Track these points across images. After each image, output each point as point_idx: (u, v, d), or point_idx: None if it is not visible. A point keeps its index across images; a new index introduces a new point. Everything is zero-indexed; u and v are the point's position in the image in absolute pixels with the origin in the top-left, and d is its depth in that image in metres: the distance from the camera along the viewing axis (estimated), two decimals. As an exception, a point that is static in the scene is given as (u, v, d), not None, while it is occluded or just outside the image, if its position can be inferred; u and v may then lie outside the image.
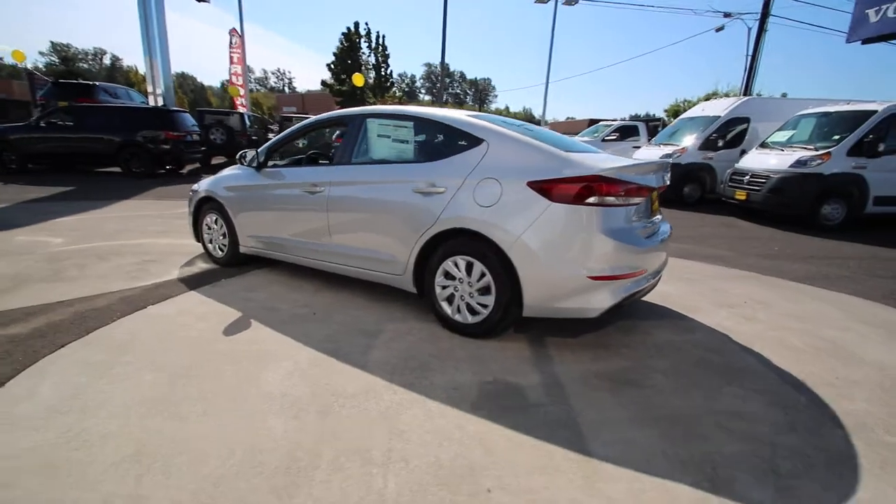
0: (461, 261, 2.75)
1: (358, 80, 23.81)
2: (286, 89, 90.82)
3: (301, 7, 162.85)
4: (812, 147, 7.56)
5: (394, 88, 36.92)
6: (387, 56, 34.24)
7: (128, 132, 10.16)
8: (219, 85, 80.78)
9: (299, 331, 2.85)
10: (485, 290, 2.70)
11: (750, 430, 2.01)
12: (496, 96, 64.98)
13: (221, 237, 4.17)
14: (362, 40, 33.12)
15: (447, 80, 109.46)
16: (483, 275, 2.67)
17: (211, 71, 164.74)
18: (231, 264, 4.20)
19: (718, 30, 24.57)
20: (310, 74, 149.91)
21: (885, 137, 7.07)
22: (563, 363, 2.53)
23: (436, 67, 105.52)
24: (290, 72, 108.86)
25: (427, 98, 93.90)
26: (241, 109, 17.02)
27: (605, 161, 2.58)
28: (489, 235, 2.57)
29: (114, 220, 6.11)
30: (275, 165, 3.90)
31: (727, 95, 29.15)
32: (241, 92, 18.72)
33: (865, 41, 14.94)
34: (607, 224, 2.41)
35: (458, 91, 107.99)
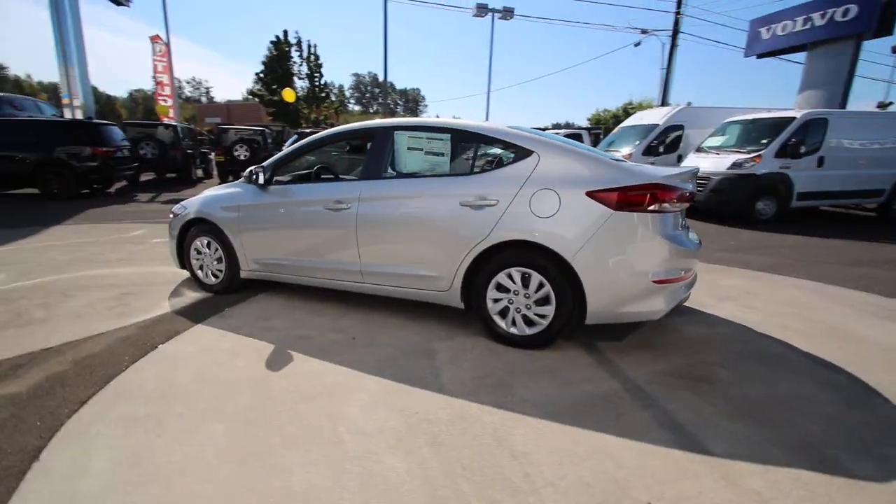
0: (516, 272, 2.73)
1: (288, 95, 22.81)
2: (203, 99, 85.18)
3: (213, 13, 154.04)
4: (744, 150, 8.48)
5: (331, 98, 35.96)
6: (319, 65, 33.33)
7: (45, 149, 8.94)
8: (126, 95, 73.89)
9: (350, 358, 2.67)
10: (543, 301, 2.71)
11: (821, 411, 2.19)
12: (426, 106, 65.90)
13: (216, 262, 3.80)
14: (293, 49, 31.99)
15: (376, 91, 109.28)
16: (541, 285, 2.68)
17: (114, 81, 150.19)
18: (228, 291, 3.84)
19: (636, 45, 26.89)
20: (230, 83, 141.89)
21: (804, 140, 8.12)
22: (629, 366, 2.60)
23: (364, 77, 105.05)
24: (206, 81, 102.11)
25: (357, 108, 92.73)
26: (171, 121, 15.62)
27: (652, 169, 2.71)
28: (551, 246, 2.59)
29: (56, 249, 5.33)
30: (278, 182, 3.64)
31: (641, 105, 31.85)
32: (171, 109, 17.13)
33: (760, 56, 17.18)
34: (666, 229, 2.53)
35: (389, 101, 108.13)
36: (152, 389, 2.29)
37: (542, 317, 2.73)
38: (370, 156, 3.20)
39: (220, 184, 5.49)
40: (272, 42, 31.46)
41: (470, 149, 3.04)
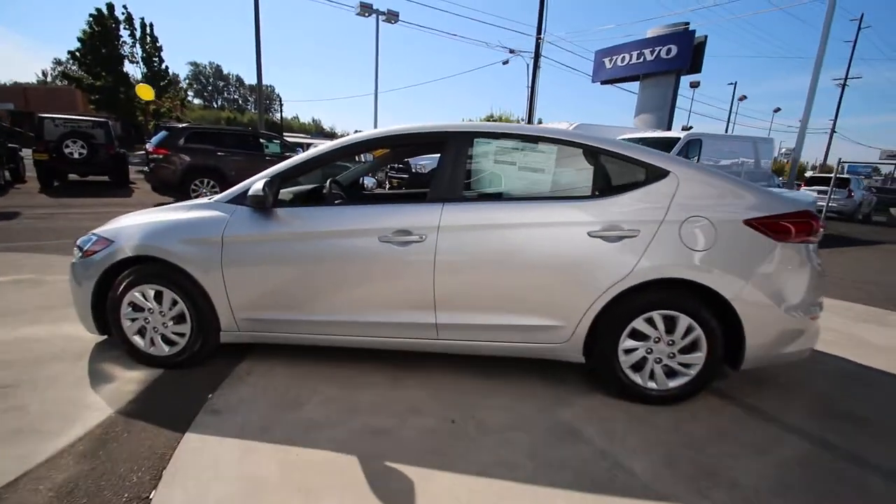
0: (658, 316, 2.25)
1: (145, 92, 18.19)
2: (-27, 78, 65.08)
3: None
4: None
5: (174, 86, 30.50)
6: (158, 48, 27.91)
7: None
8: None
9: (483, 460, 1.86)
10: (689, 348, 2.28)
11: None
12: (281, 105, 60.49)
13: (172, 322, 2.50)
14: (122, 27, 26.13)
15: (220, 84, 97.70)
16: (689, 331, 2.25)
17: None
18: (192, 363, 2.56)
19: (504, 63, 28.77)
20: (14, 60, 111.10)
21: (688, 155, 9.40)
22: (794, 414, 2.33)
23: (205, 67, 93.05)
24: (-24, 55, 78.35)
25: (198, 102, 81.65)
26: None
27: (793, 195, 2.49)
28: (710, 284, 2.17)
29: None
30: (283, 203, 2.54)
31: (501, 118, 34.24)
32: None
33: (603, 83, 19.92)
34: (817, 261, 2.32)
35: (237, 97, 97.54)
36: None
37: (687, 366, 2.30)
38: (443, 169, 2.38)
39: (41, 190, 3.82)
40: (92, 16, 25.34)
41: (581, 165, 2.45)
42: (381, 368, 2.61)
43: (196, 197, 6.07)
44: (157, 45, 27.97)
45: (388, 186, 12.63)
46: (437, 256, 2.27)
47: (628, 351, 2.31)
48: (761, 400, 2.45)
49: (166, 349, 2.54)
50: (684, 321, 2.24)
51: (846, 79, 31.02)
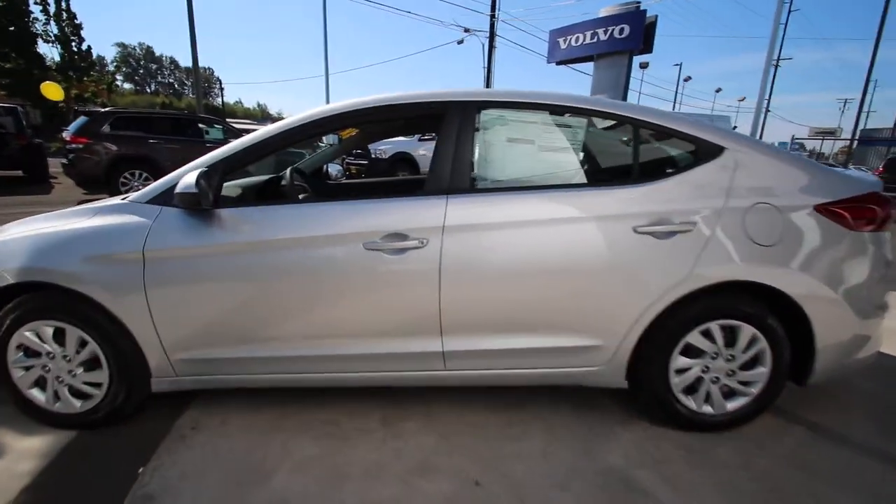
0: (717, 328, 1.84)
1: (51, 91, 15.45)
2: None
3: None
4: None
5: (97, 69, 27.58)
6: (78, 27, 25.00)
7: None
8: None
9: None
10: (752, 363, 1.88)
11: None
12: (222, 89, 56.19)
13: (82, 369, 1.84)
14: (32, 1, 23.10)
15: (153, 67, 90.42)
16: (752, 342, 1.85)
17: None
18: (114, 421, 1.92)
19: (459, 42, 28.00)
20: None
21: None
22: (863, 431, 1.99)
23: (133, 49, 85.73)
24: None
25: (128, 87, 75.25)
26: None
27: (857, 175, 2.10)
28: (781, 287, 1.76)
29: None
30: (229, 201, 1.91)
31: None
32: None
33: (559, 63, 19.72)
34: (889, 251, 1.96)
35: (172, 80, 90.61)
36: None
37: (747, 384, 1.91)
38: (444, 151, 1.82)
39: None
40: (-7, -13, 22.23)
41: (618, 142, 1.96)
42: (370, 407, 2.07)
43: (128, 192, 5.17)
44: (76, 22, 25.16)
45: (346, 176, 11.77)
46: (442, 266, 1.73)
47: (680, 371, 1.88)
48: (819, 413, 2.11)
49: (77, 404, 1.87)
50: (747, 331, 1.83)
51: (778, 59, 32.67)
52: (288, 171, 2.13)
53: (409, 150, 10.86)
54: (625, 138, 1.91)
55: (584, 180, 1.94)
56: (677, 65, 43.48)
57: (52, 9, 24.00)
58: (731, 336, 1.85)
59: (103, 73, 28.01)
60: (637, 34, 15.91)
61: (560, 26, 18.68)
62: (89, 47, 26.03)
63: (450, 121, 1.83)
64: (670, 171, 1.85)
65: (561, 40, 18.85)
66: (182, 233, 1.74)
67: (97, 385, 1.86)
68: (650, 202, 1.78)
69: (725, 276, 1.76)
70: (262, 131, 1.90)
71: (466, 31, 26.68)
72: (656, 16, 16.31)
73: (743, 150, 1.85)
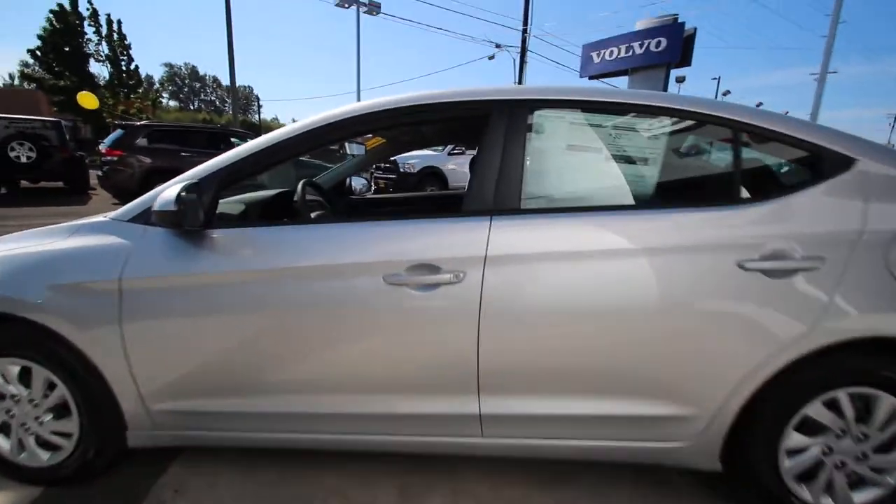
0: (844, 396, 1.38)
1: (87, 100, 16.26)
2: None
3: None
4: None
5: (145, 86, 28.89)
6: (127, 47, 26.29)
7: None
8: None
9: None
10: (891, 444, 1.41)
11: None
12: (261, 106, 58.46)
13: (49, 416, 1.55)
14: (87, 23, 24.48)
15: (196, 86, 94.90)
16: (894, 417, 1.38)
17: None
18: (85, 477, 1.61)
19: (490, 58, 27.97)
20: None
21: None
22: None
23: (180, 68, 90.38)
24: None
25: (174, 104, 79.11)
26: None
27: None
28: (942, 344, 1.30)
29: None
30: (226, 221, 1.61)
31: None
32: None
33: (591, 77, 19.25)
34: None
35: (214, 98, 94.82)
36: None
37: (883, 472, 1.43)
38: (486, 162, 1.46)
39: None
40: (53, 12, 23.67)
41: (715, 151, 1.55)
42: (386, 472, 1.69)
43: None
44: (126, 42, 26.42)
45: (373, 190, 11.58)
46: (483, 307, 1.35)
47: (794, 452, 1.43)
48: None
49: (44, 457, 1.58)
50: (887, 403, 1.37)
51: (824, 74, 31.12)
52: (300, 184, 1.81)
53: (437, 164, 10.55)
54: (724, 146, 1.50)
55: (668, 200, 1.54)
56: (715, 78, 42.06)
57: (104, 30, 25.31)
58: (864, 408, 1.39)
59: (150, 90, 29.24)
60: (675, 47, 15.38)
61: (592, 40, 18.38)
62: (137, 66, 27.27)
63: (495, 124, 1.47)
64: (788, 187, 1.43)
65: (594, 54, 18.48)
66: (167, 258, 1.44)
67: (67, 435, 1.57)
68: (761, 228, 1.36)
69: (864, 330, 1.31)
70: (271, 135, 1.59)
71: (497, 46, 26.67)
72: (695, 28, 15.74)
73: (878, 162, 1.40)
